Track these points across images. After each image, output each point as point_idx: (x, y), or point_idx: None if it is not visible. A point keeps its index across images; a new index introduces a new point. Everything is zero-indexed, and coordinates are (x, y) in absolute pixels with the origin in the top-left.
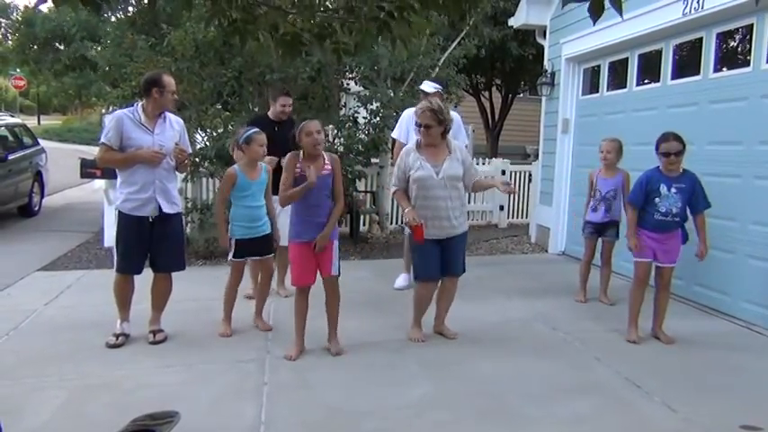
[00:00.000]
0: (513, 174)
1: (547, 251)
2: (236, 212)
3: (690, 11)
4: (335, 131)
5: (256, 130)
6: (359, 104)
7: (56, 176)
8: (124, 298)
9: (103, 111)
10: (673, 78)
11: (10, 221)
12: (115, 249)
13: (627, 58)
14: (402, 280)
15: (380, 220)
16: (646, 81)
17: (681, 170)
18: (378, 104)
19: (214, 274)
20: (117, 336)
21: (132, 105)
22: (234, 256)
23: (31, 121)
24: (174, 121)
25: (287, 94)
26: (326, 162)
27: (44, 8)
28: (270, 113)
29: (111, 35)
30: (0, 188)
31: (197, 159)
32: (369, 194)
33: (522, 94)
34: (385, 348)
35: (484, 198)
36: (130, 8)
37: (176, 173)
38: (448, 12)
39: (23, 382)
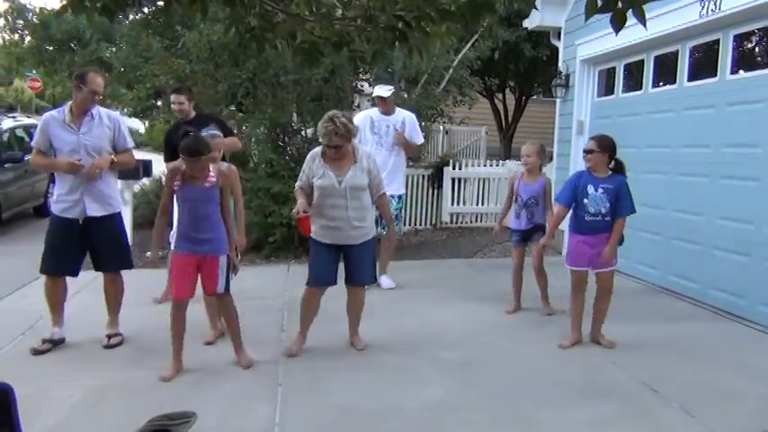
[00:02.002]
0: None
1: (561, 253)
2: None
3: (707, 12)
4: None
5: (213, 132)
6: (372, 105)
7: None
8: (52, 300)
9: (119, 112)
10: (689, 80)
11: (25, 221)
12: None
13: (643, 60)
14: (387, 280)
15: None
16: (661, 83)
17: (608, 172)
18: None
19: None
20: (43, 341)
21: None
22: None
23: None
24: (106, 117)
25: (176, 90)
26: (211, 174)
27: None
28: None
29: (126, 37)
30: (16, 188)
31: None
32: None
33: (535, 96)
34: (398, 351)
35: (497, 200)
36: (145, 9)
37: (113, 173)
38: (466, 22)
39: (38, 382)
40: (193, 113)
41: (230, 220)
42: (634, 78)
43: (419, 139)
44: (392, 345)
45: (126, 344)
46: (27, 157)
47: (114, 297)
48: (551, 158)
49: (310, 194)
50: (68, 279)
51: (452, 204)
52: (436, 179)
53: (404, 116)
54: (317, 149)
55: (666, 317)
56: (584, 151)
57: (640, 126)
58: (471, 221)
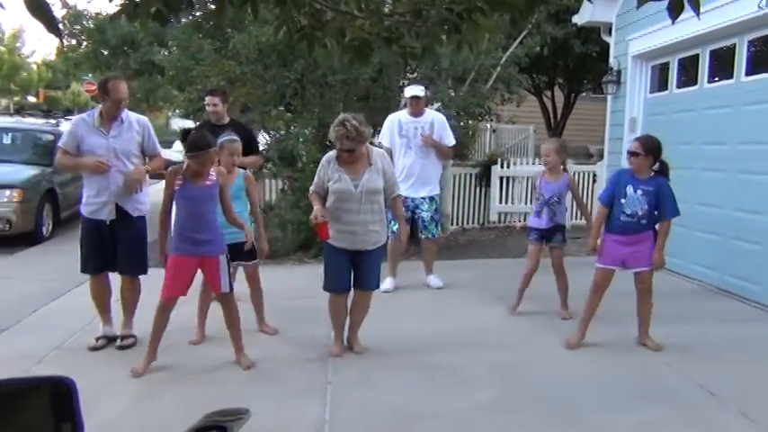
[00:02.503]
0: (577, 174)
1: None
2: None
3: (765, 4)
4: None
5: (231, 138)
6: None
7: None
8: (98, 300)
9: (170, 114)
10: (747, 75)
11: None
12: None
13: (698, 55)
14: (388, 283)
15: (443, 223)
16: (718, 78)
17: (650, 173)
18: (439, 104)
19: (276, 274)
20: (97, 339)
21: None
22: None
23: None
24: (135, 122)
25: (211, 92)
26: (212, 174)
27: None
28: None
29: (177, 40)
30: (74, 188)
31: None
32: None
33: (585, 93)
34: (447, 350)
35: None
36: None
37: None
38: (519, 13)
39: (96, 377)
40: (227, 119)
41: (233, 218)
42: (688, 74)
43: (450, 140)
44: (441, 344)
45: (175, 342)
46: None
47: (131, 299)
48: (602, 156)
49: (325, 198)
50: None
51: (500, 203)
52: (484, 178)
53: (432, 118)
54: (332, 153)
55: (724, 318)
56: (629, 153)
57: (696, 122)
58: (519, 220)
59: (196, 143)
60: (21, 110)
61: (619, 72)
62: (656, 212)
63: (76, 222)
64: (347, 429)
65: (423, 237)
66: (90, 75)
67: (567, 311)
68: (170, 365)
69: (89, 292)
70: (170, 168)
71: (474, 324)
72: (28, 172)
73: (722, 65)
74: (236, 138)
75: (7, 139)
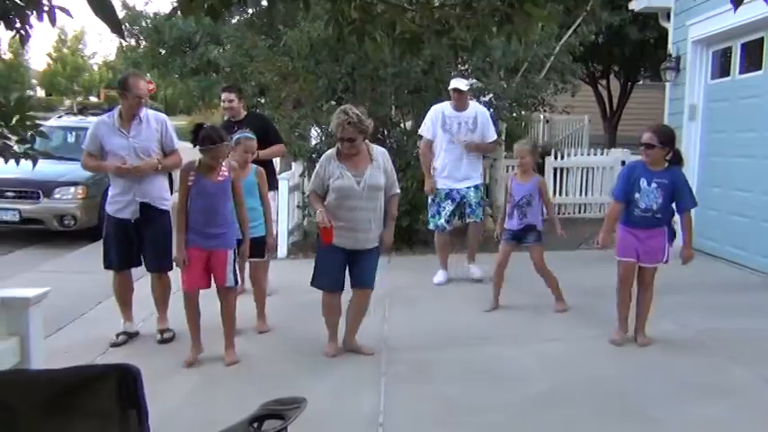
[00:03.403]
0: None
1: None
2: None
3: None
4: None
5: (247, 135)
6: (471, 97)
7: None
8: (121, 296)
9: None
10: None
11: None
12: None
13: (762, 38)
14: (440, 276)
15: (493, 213)
16: None
17: (665, 165)
18: (491, 96)
19: None
20: (117, 335)
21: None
22: None
23: None
24: (154, 119)
25: (227, 89)
26: (224, 169)
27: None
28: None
29: (231, 38)
30: None
31: (313, 155)
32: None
33: (641, 81)
34: (499, 343)
35: (602, 190)
36: (249, 11)
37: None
38: (574, 1)
39: (158, 366)
40: (244, 113)
41: (243, 214)
42: (752, 58)
43: (491, 135)
44: (494, 337)
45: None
46: None
47: (161, 295)
48: None
49: (323, 198)
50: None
51: (554, 195)
52: (537, 169)
53: (476, 111)
54: (331, 151)
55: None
56: (643, 145)
57: (763, 109)
58: (574, 212)
59: (208, 137)
60: (83, 109)
61: (678, 58)
62: (671, 205)
63: None
64: (402, 421)
65: (470, 221)
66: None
67: (563, 303)
68: (224, 357)
69: (148, 287)
70: (183, 165)
71: (525, 316)
72: None
73: None
74: (250, 135)
75: (72, 138)
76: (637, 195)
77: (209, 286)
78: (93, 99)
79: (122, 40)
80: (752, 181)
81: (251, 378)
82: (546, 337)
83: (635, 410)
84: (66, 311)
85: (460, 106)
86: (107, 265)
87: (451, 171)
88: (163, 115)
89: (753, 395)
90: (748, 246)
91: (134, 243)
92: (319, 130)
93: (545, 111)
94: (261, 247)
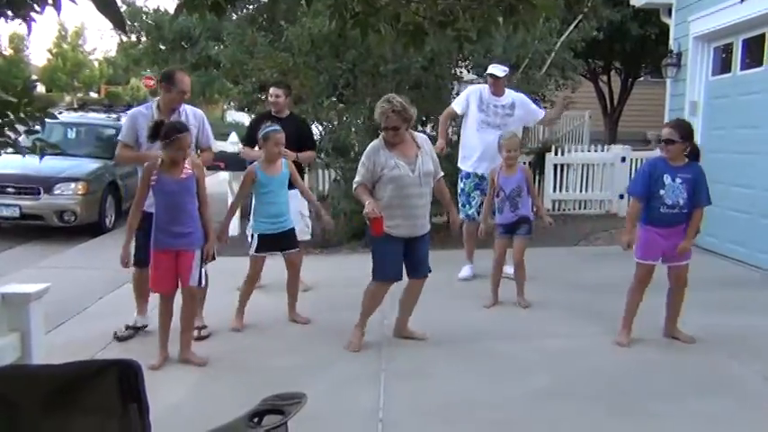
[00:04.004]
0: (634, 160)
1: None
2: (259, 208)
3: None
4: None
5: (275, 128)
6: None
7: None
8: (140, 290)
9: (225, 107)
10: None
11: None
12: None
13: (764, 34)
14: (467, 271)
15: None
16: None
17: (685, 160)
18: None
19: (330, 263)
20: (127, 327)
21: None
22: (255, 251)
23: None
24: (192, 115)
25: (276, 84)
26: (186, 166)
27: (171, 10)
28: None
29: (232, 34)
30: (135, 181)
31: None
32: None
33: (642, 77)
34: (500, 338)
35: (602, 186)
36: (250, 6)
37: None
38: None
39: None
40: (287, 112)
41: (206, 212)
42: (754, 54)
43: (539, 113)
44: (494, 332)
45: (226, 331)
46: None
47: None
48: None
49: (371, 190)
50: None
51: (554, 191)
52: (538, 165)
53: (513, 98)
54: (376, 142)
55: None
56: (663, 141)
57: (763, 105)
58: (574, 209)
59: (172, 128)
60: (84, 105)
61: (679, 54)
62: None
63: None
64: (401, 416)
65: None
66: (148, 70)
67: (525, 300)
68: (226, 354)
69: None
70: (146, 165)
71: (526, 312)
72: (91, 165)
73: None
74: (278, 128)
75: (72, 134)
76: (662, 192)
77: (177, 287)
78: (93, 95)
79: (123, 36)
80: (753, 177)
81: (251, 375)
82: (546, 333)
83: (635, 406)
84: (66, 307)
85: (498, 92)
86: (139, 263)
87: (484, 153)
88: (201, 112)
89: (751, 392)
90: (748, 242)
91: None
92: (320, 127)
93: (546, 107)
94: (294, 239)
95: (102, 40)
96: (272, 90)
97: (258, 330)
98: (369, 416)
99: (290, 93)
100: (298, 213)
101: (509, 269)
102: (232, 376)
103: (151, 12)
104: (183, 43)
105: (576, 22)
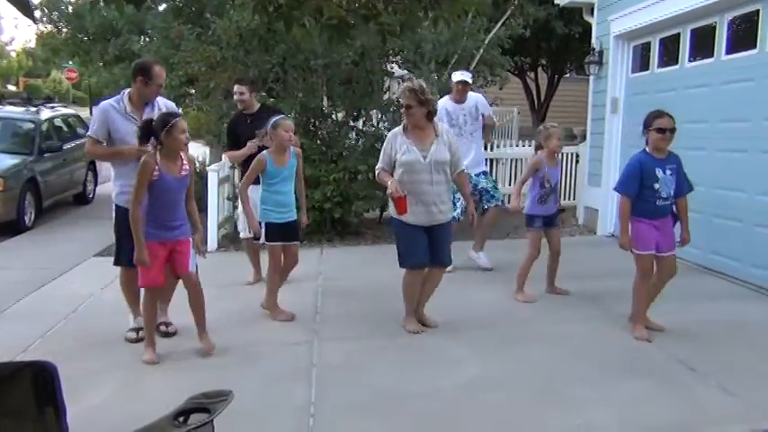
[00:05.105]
0: (561, 155)
1: (595, 233)
2: (267, 197)
3: None
4: (380, 116)
5: (283, 116)
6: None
7: (108, 165)
8: (130, 292)
9: None
10: (727, 53)
11: (66, 209)
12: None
13: (679, 34)
14: (484, 258)
15: None
16: (698, 57)
17: (667, 151)
18: None
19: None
20: (136, 331)
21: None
22: (267, 240)
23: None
24: (164, 106)
25: (238, 81)
26: (185, 162)
27: None
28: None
29: (158, 28)
30: (56, 177)
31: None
32: None
33: (568, 74)
34: (434, 331)
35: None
36: None
37: None
38: None
39: (82, 363)
40: (257, 106)
41: (193, 207)
42: (670, 53)
43: (489, 111)
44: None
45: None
46: (66, 146)
47: (169, 285)
48: (585, 137)
49: (391, 175)
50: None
51: None
52: None
53: (475, 100)
54: (398, 128)
55: (707, 296)
56: (669, 130)
57: (678, 101)
58: (505, 202)
59: (166, 115)
60: (1, 98)
61: (601, 52)
62: None
63: (59, 211)
64: (333, 411)
65: (490, 205)
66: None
67: (563, 288)
68: (159, 350)
69: (80, 279)
70: (143, 160)
71: (462, 305)
72: (9, 161)
73: (703, 44)
74: (285, 115)
75: None
76: (656, 185)
77: (165, 282)
78: (11, 87)
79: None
80: None
81: (181, 374)
82: (480, 325)
83: (560, 392)
84: None
85: (461, 99)
86: (116, 261)
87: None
88: (172, 103)
89: (667, 375)
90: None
91: None
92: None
93: None
94: (297, 231)
95: (17, 30)
96: (235, 88)
97: (190, 329)
98: (300, 411)
99: (254, 87)
100: None
101: (485, 260)
102: (159, 377)
103: (72, 1)
104: (105, 35)
105: (504, 19)
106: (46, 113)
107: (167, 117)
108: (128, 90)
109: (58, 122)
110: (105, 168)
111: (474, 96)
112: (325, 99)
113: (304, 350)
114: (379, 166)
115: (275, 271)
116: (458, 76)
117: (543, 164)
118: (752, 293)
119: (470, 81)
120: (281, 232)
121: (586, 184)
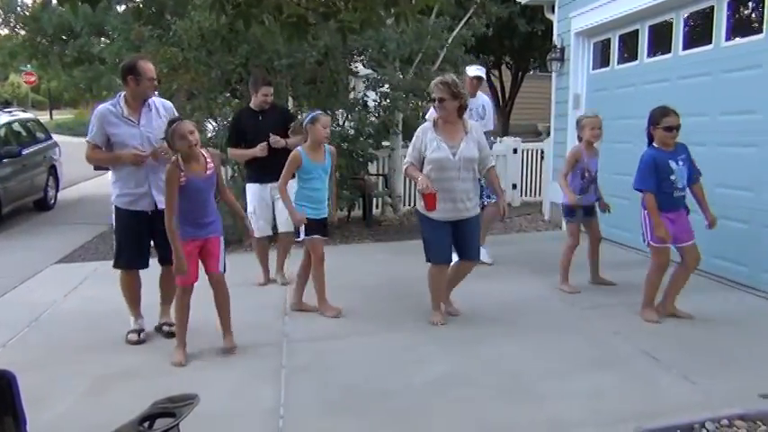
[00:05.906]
0: (525, 152)
1: (561, 228)
2: (302, 194)
3: None
4: (346, 115)
5: (320, 112)
6: (368, 87)
7: (69, 170)
8: (130, 294)
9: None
10: (684, 49)
11: (26, 215)
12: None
13: (637, 30)
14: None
15: (393, 202)
16: (657, 53)
17: (675, 145)
18: (387, 87)
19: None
20: (137, 332)
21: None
22: (306, 234)
23: (43, 116)
24: (161, 107)
25: (268, 83)
26: (209, 160)
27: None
28: (252, 104)
29: (117, 30)
30: (16, 183)
31: (208, 148)
32: (381, 177)
33: (531, 72)
34: (403, 329)
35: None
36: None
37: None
38: None
39: (45, 371)
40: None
41: (229, 196)
42: (629, 49)
43: (492, 126)
44: (394, 323)
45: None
46: (25, 152)
47: (172, 288)
48: (549, 133)
49: (420, 170)
50: (85, 270)
51: None
52: None
53: (483, 101)
54: (427, 124)
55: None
56: (674, 128)
57: (637, 97)
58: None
59: (168, 126)
60: None
61: (562, 50)
62: None
63: (19, 218)
64: (303, 411)
65: (490, 201)
66: (28, 65)
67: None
68: (122, 359)
69: (43, 287)
70: (168, 167)
71: (422, 304)
72: None
73: (661, 40)
74: (320, 111)
75: None
76: (673, 177)
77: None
78: None
79: None
80: (629, 165)
81: (150, 378)
82: (449, 321)
83: (530, 387)
84: None
85: (474, 93)
86: (121, 266)
87: None
88: (169, 103)
89: (631, 366)
90: (631, 227)
91: (146, 238)
92: (215, 123)
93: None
94: (327, 228)
95: None
96: (264, 89)
97: (151, 333)
98: (269, 413)
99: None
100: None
101: (484, 254)
102: (126, 383)
103: (28, 3)
104: (63, 37)
105: (466, 18)
106: (4, 118)
107: (170, 124)
108: (123, 93)
109: (16, 127)
110: (66, 174)
111: (484, 98)
112: (290, 99)
113: (273, 351)
114: (407, 160)
115: (319, 264)
116: (473, 70)
117: (582, 154)
118: (712, 283)
119: (483, 76)
120: (315, 228)
121: (551, 180)
